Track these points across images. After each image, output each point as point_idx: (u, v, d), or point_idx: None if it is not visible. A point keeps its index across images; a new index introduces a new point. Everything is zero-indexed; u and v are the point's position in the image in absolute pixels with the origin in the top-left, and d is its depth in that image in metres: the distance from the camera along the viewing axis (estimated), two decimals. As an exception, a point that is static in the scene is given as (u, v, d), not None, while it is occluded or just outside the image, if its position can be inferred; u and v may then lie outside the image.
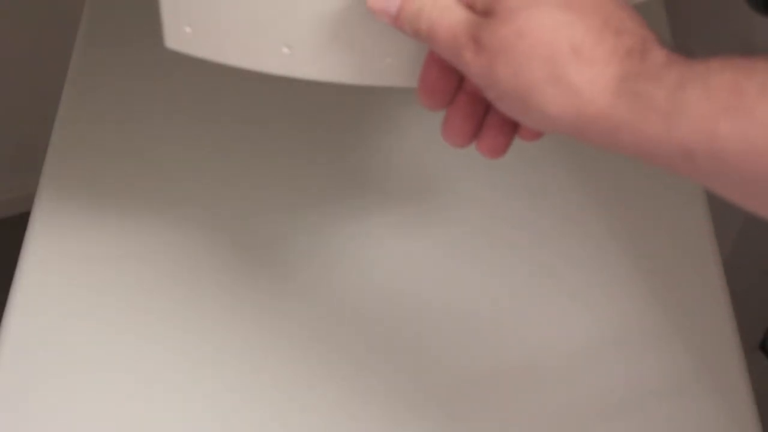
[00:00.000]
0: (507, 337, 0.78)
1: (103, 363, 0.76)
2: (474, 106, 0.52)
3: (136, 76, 0.96)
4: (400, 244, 0.83)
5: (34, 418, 0.73)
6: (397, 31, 0.55)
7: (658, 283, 0.81)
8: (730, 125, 0.41)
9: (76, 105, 0.94)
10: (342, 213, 0.86)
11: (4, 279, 0.84)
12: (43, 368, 0.76)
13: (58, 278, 0.81)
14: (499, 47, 0.45)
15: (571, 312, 0.80)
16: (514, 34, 0.45)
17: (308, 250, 0.84)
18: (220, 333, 0.78)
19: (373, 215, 0.86)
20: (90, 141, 0.91)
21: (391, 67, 0.60)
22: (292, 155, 0.90)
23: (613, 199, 0.88)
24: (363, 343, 0.78)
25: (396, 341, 0.79)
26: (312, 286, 0.82)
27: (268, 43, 0.60)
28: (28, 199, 0.87)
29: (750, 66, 0.42)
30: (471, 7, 0.48)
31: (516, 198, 0.88)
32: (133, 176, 0.88)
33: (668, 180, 0.90)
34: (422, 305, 0.80)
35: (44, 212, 0.85)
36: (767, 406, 0.80)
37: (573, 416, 0.74)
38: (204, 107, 0.94)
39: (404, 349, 0.78)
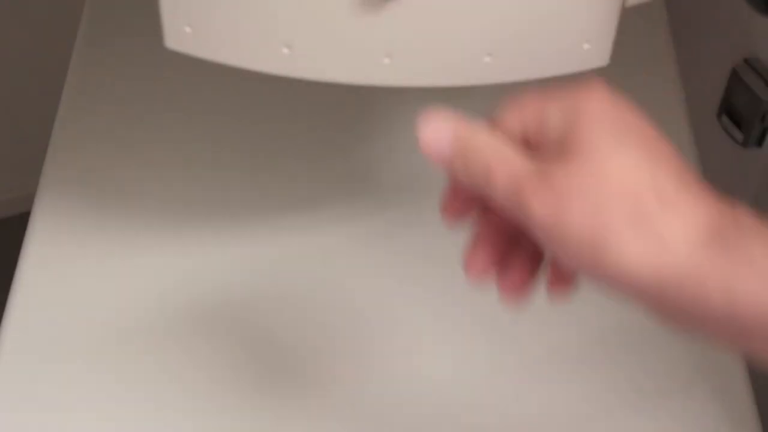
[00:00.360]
0: (507, 336, 0.78)
1: (103, 363, 0.76)
2: (499, 236, 0.48)
3: (136, 76, 0.96)
4: (400, 244, 0.83)
5: (34, 417, 0.73)
6: (396, 31, 0.55)
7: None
8: None
9: (76, 105, 0.94)
10: (342, 213, 0.87)
11: (4, 279, 0.84)
12: (43, 368, 0.76)
13: (58, 278, 0.81)
14: (573, 190, 0.41)
15: (571, 312, 0.80)
16: (592, 175, 0.41)
17: (308, 249, 0.84)
18: (220, 333, 0.78)
19: (372, 215, 0.86)
20: (90, 141, 0.91)
21: (390, 67, 0.60)
22: (292, 155, 0.90)
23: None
24: (364, 343, 0.78)
25: (396, 341, 0.79)
26: (312, 285, 0.82)
27: (268, 43, 0.60)
28: (28, 199, 0.87)
29: None
30: (537, 148, 0.45)
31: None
32: (134, 176, 0.88)
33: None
34: (423, 305, 0.80)
35: (44, 212, 0.85)
36: (767, 406, 0.80)
37: (573, 416, 0.74)
38: (204, 107, 0.94)
39: (405, 346, 0.78)
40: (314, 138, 0.92)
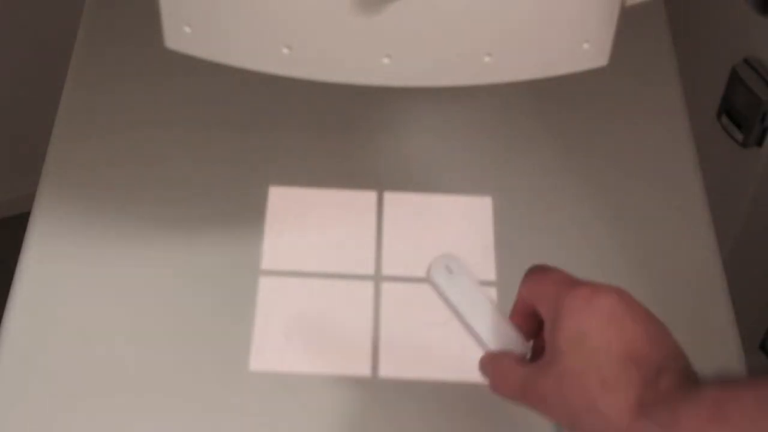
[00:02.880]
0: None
1: (103, 363, 0.76)
2: None
3: (136, 76, 0.96)
4: (400, 244, 0.83)
5: (33, 418, 0.73)
6: (396, 31, 0.55)
7: (659, 283, 0.81)
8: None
9: (76, 105, 0.94)
10: (342, 213, 0.87)
11: (4, 279, 0.84)
12: (43, 368, 0.76)
13: (58, 278, 0.81)
14: (548, 393, 0.57)
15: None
16: (557, 376, 0.56)
17: (308, 249, 0.84)
18: (220, 332, 0.78)
19: (372, 215, 0.86)
20: (90, 141, 0.91)
21: (390, 67, 0.60)
22: (292, 155, 0.90)
23: (614, 199, 0.88)
24: (365, 341, 0.78)
25: (397, 339, 0.79)
26: (312, 285, 0.82)
27: (268, 43, 0.60)
28: (28, 199, 0.87)
29: (733, 390, 0.52)
30: (538, 354, 0.60)
31: (516, 198, 0.88)
32: (133, 176, 0.88)
33: (669, 181, 0.90)
34: (423, 305, 0.80)
35: (44, 212, 0.85)
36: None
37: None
38: (204, 107, 0.94)
39: (407, 348, 0.78)
40: (314, 138, 0.92)
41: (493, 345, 0.62)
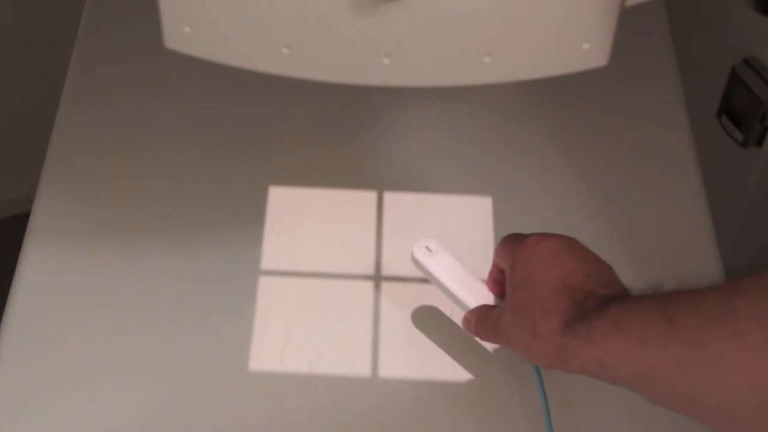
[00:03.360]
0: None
1: (103, 363, 0.76)
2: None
3: (136, 76, 0.96)
4: (399, 245, 0.83)
5: (33, 417, 0.73)
6: (396, 31, 0.55)
7: (658, 283, 0.81)
8: (614, 345, 0.59)
9: (76, 105, 0.94)
10: (342, 213, 0.87)
11: (4, 279, 0.84)
12: (43, 368, 0.76)
13: (58, 278, 0.81)
14: (508, 324, 0.67)
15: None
16: (511, 311, 0.67)
17: (308, 249, 0.84)
18: (220, 332, 0.78)
19: (372, 215, 0.86)
20: (90, 141, 0.91)
21: (390, 67, 0.60)
22: (292, 155, 0.90)
23: (614, 199, 0.88)
24: (365, 341, 0.78)
25: (397, 339, 0.79)
26: (313, 284, 0.82)
27: (268, 43, 0.60)
28: (28, 199, 0.87)
29: (632, 304, 0.60)
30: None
31: (517, 199, 0.88)
32: (133, 176, 0.88)
33: (669, 181, 0.90)
34: (424, 304, 0.80)
35: (44, 212, 0.85)
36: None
37: (572, 414, 0.74)
38: (203, 107, 0.94)
39: (407, 348, 0.78)
40: (314, 138, 0.92)
41: (472, 305, 0.73)
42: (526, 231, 0.85)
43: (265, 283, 0.81)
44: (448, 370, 0.77)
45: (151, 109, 0.93)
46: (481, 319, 0.71)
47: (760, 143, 1.09)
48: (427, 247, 0.76)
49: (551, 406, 0.70)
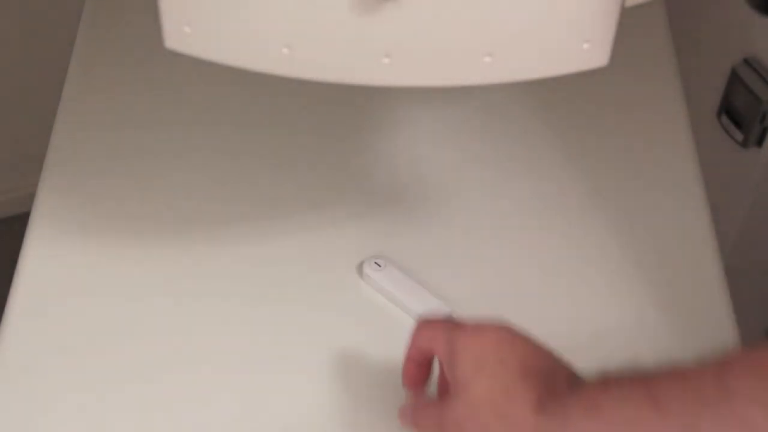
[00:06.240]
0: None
1: (103, 362, 0.76)
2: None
3: (135, 76, 0.96)
4: (400, 245, 0.83)
5: (34, 417, 0.73)
6: (396, 31, 0.55)
7: (659, 284, 0.81)
8: (594, 429, 0.58)
9: (76, 105, 0.94)
10: (342, 213, 0.87)
11: (4, 279, 0.84)
12: (43, 368, 0.76)
13: (58, 278, 0.81)
14: (462, 418, 0.63)
15: (571, 312, 0.80)
16: (468, 404, 0.63)
17: (307, 249, 0.84)
18: (220, 332, 0.78)
19: (372, 215, 0.86)
20: (90, 141, 0.91)
21: (390, 67, 0.60)
22: (291, 155, 0.90)
23: (614, 200, 0.88)
24: (364, 340, 0.78)
25: (397, 339, 0.79)
26: (313, 285, 0.82)
27: (268, 43, 0.60)
28: (28, 199, 0.87)
29: (605, 387, 0.59)
30: (443, 392, 0.68)
31: (517, 199, 0.88)
32: (133, 176, 0.88)
33: (669, 181, 0.90)
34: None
35: (44, 212, 0.85)
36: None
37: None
38: (204, 107, 0.94)
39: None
40: (314, 138, 0.92)
41: (421, 311, 0.76)
42: (526, 230, 0.86)
43: (266, 282, 0.81)
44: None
45: (152, 111, 0.93)
46: (420, 416, 0.69)
47: (760, 143, 1.09)
48: (376, 263, 0.80)
49: None
